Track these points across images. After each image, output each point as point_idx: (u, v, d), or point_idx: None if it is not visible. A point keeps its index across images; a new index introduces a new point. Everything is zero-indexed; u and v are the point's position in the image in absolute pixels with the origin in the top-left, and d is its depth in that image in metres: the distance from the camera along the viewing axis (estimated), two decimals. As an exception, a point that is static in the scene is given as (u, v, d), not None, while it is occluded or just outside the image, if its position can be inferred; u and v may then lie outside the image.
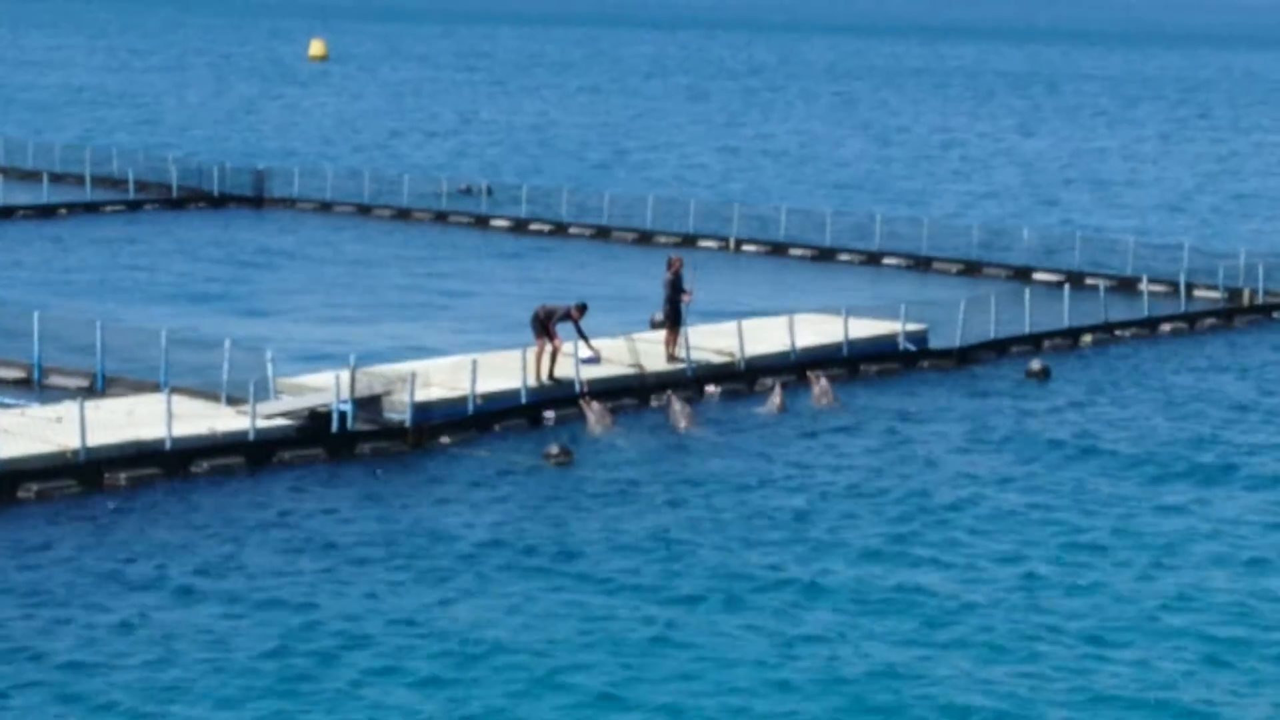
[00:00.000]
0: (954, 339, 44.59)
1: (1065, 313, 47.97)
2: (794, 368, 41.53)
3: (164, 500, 31.02)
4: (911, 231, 63.15)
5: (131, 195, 72.53)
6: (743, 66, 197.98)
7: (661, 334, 41.23)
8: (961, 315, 44.70)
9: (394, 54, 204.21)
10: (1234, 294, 54.06)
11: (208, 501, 31.04)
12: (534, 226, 67.46)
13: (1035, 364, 43.60)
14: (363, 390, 35.14)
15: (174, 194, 72.77)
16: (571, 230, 66.56)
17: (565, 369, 38.28)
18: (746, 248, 63.12)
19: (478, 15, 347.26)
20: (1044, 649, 25.14)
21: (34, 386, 38.55)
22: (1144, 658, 24.94)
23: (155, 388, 36.67)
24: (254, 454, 33.33)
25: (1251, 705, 23.52)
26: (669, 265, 41.21)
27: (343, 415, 34.83)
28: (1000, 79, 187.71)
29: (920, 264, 60.31)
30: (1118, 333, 48.66)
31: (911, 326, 44.35)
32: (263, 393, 34.94)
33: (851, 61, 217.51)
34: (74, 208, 69.41)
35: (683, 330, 40.66)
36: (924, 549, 29.52)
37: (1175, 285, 52.92)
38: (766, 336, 42.77)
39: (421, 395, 35.47)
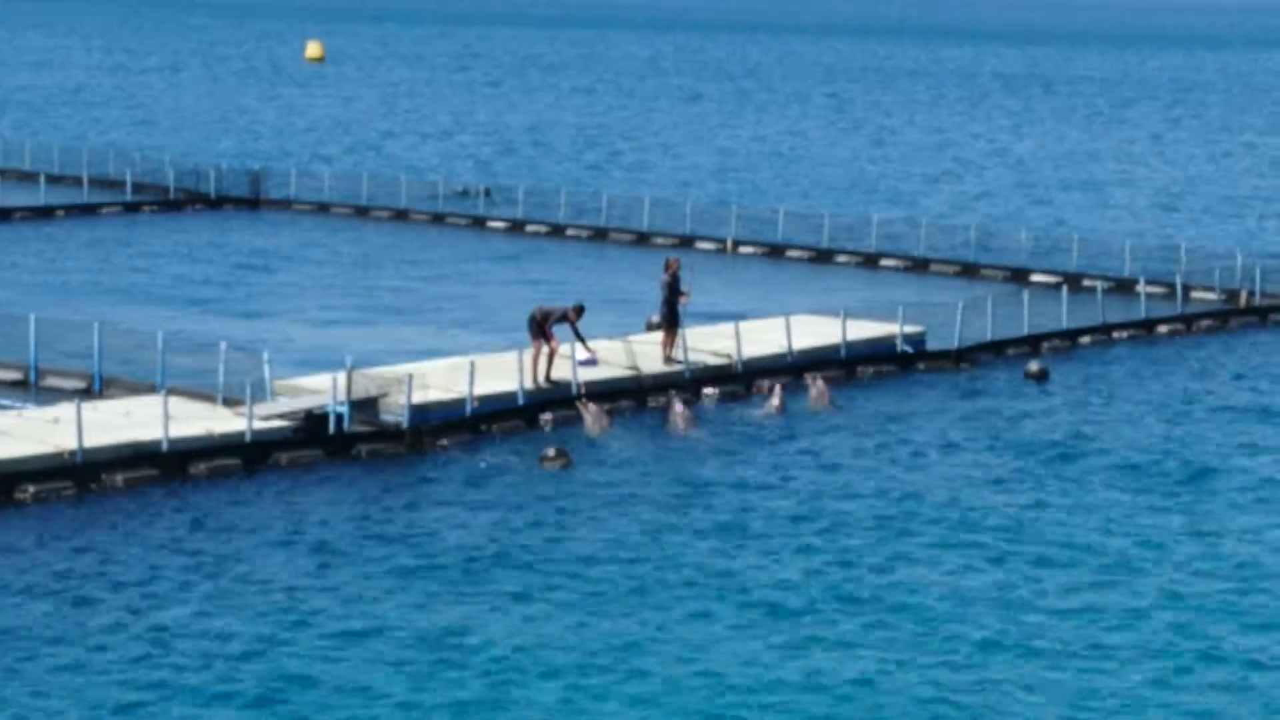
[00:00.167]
0: (951, 341, 44.58)
1: (1063, 314, 47.97)
2: (791, 369, 41.52)
3: (161, 501, 31.00)
4: (909, 233, 63.15)
5: (129, 197, 72.50)
6: (738, 68, 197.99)
7: (658, 336, 41.20)
8: (959, 317, 44.69)
9: (391, 55, 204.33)
10: (1231, 295, 54.07)
11: (204, 503, 31.03)
12: (531, 228, 67.45)
13: (1034, 365, 43.60)
14: (359, 392, 35.12)
15: (171, 195, 72.74)
16: (569, 232, 66.55)
17: (562, 371, 38.27)
18: (744, 249, 63.11)
19: (475, 16, 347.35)
20: (1039, 653, 25.12)
21: (31, 388, 38.52)
22: (1140, 660, 24.94)
23: (152, 389, 36.65)
24: (251, 455, 33.31)
25: (1247, 707, 23.53)
26: (666, 267, 41.20)
27: (339, 417, 34.81)
28: (996, 80, 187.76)
29: (917, 265, 60.31)
30: (1115, 334, 48.67)
31: (909, 328, 44.34)
32: (259, 394, 34.91)
33: (847, 63, 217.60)
34: (71, 209, 69.39)
35: (680, 332, 40.64)
36: (921, 551, 29.50)
37: (1172, 287, 52.91)
38: (764, 338, 42.76)
39: (418, 397, 35.45)
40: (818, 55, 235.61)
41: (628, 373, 39.78)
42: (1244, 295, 53.91)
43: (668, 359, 40.51)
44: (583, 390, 38.09)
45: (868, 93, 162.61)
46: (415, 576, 27.57)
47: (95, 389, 37.93)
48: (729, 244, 63.41)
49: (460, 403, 36.34)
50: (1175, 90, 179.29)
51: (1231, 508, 32.74)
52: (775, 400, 38.91)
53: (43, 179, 73.41)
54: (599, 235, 65.96)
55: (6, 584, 26.70)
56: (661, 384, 39.67)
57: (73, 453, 31.65)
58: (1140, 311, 50.35)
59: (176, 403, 34.02)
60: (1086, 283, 55.10)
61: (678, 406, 37.67)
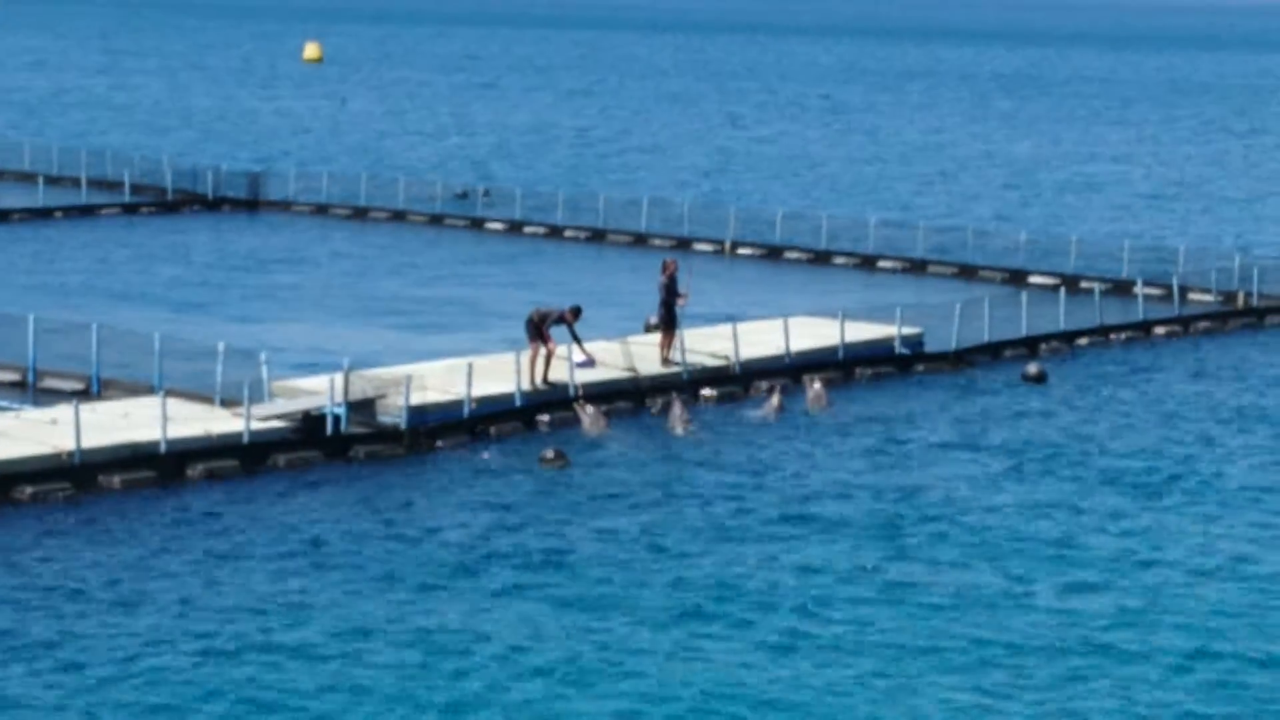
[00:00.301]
0: (949, 342, 44.60)
1: (1061, 316, 48.00)
2: (789, 371, 41.53)
3: (158, 503, 31.02)
4: (907, 235, 63.18)
5: (127, 198, 72.52)
6: (737, 69, 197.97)
7: (656, 337, 41.21)
8: (957, 318, 44.71)
9: (388, 56, 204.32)
10: (1228, 297, 54.09)
11: (202, 504, 31.04)
12: (529, 229, 67.47)
13: (1032, 368, 43.60)
14: (356, 393, 35.13)
15: (169, 197, 72.75)
16: (566, 233, 66.56)
17: (560, 372, 38.28)
18: (742, 250, 63.12)
19: (475, 17, 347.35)
20: (1038, 654, 25.14)
21: (29, 389, 38.54)
22: (1139, 661, 24.95)
23: (150, 391, 36.66)
24: (249, 457, 33.33)
25: (1243, 708, 23.56)
26: (664, 268, 41.21)
27: (337, 418, 34.82)
28: (995, 81, 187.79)
29: (915, 267, 60.33)
30: (1113, 336, 48.69)
31: (907, 330, 44.35)
32: (257, 396, 34.93)
33: (846, 64, 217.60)
34: (70, 210, 69.40)
35: (678, 333, 40.66)
36: (918, 553, 29.50)
37: (1170, 288, 52.94)
38: (761, 340, 42.78)
39: (416, 398, 35.47)
40: (817, 56, 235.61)
41: (625, 374, 39.80)
42: (1241, 297, 53.94)
43: (665, 360, 40.53)
44: (580, 391, 38.10)
45: (866, 94, 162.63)
46: (413, 577, 27.57)
47: (93, 390, 37.94)
48: (727, 245, 63.42)
49: (458, 404, 36.35)
50: (1174, 91, 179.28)
51: (1230, 508, 32.75)
52: (775, 401, 38.92)
53: (41, 180, 73.44)
54: (597, 236, 65.98)
55: (4, 584, 26.70)
56: (659, 385, 39.68)
57: (70, 454, 31.67)
58: (1138, 313, 50.37)
59: (174, 404, 34.03)
60: (1084, 284, 55.16)
61: (677, 408, 37.69)
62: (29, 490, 30.85)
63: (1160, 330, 49.85)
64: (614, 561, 28.57)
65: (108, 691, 22.94)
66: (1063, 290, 51.52)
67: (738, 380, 40.96)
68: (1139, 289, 51.91)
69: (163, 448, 32.50)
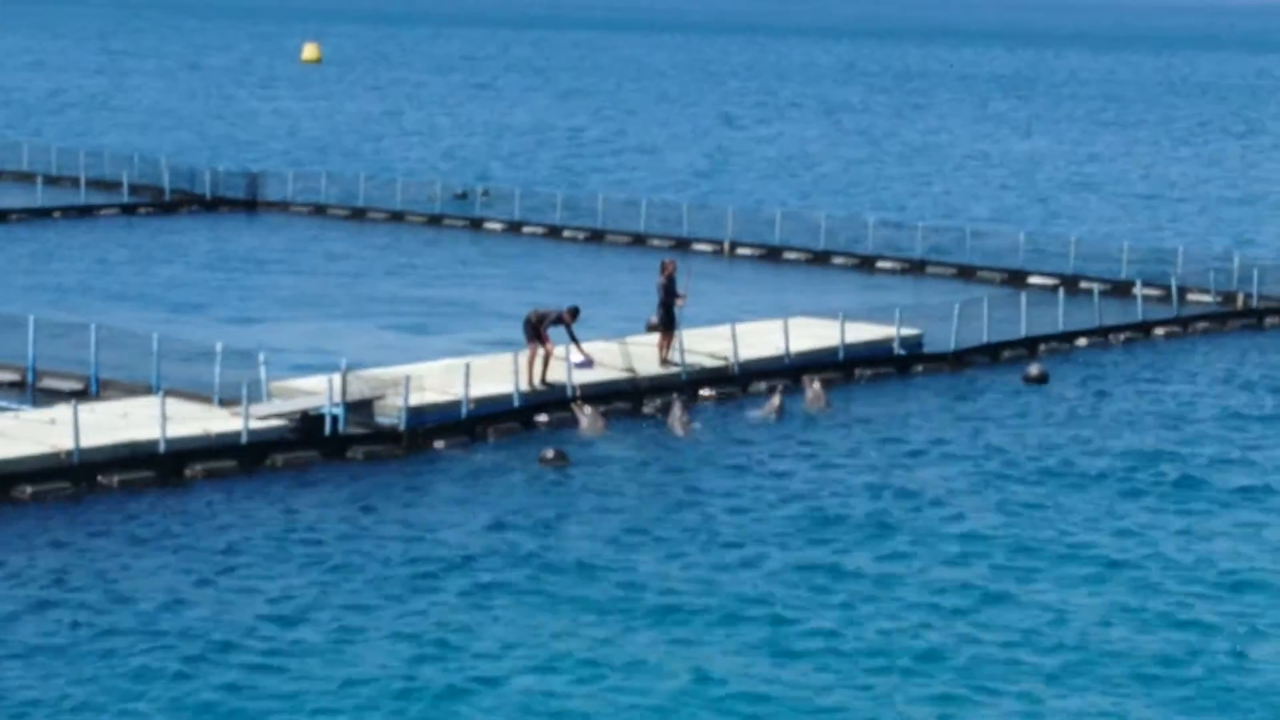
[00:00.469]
0: (948, 343, 44.59)
1: (1059, 317, 47.99)
2: (788, 372, 41.52)
3: (157, 502, 31.00)
4: (905, 235, 63.17)
5: (125, 198, 72.51)
6: (736, 70, 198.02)
7: (655, 338, 41.19)
8: (956, 319, 44.71)
9: (385, 57, 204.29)
10: (1227, 298, 54.08)
11: (201, 504, 31.03)
12: (527, 229, 67.47)
13: (1034, 368, 43.58)
14: (354, 394, 35.12)
15: (167, 197, 72.73)
16: (565, 234, 66.55)
17: (558, 373, 38.26)
18: (741, 251, 63.11)
19: (472, 18, 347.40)
20: (1037, 656, 25.15)
21: (28, 389, 38.54)
22: (1137, 663, 24.95)
23: (148, 391, 36.65)
24: (247, 457, 33.32)
25: (1239, 711, 23.56)
26: (662, 269, 41.20)
27: (335, 419, 34.81)
28: (994, 82, 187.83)
29: (914, 267, 60.33)
30: (1111, 337, 48.68)
31: (905, 331, 44.35)
32: (255, 396, 34.92)
33: (844, 64, 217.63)
34: (68, 211, 69.40)
35: (676, 334, 40.65)
36: (917, 554, 29.49)
37: (1168, 289, 52.94)
38: (760, 340, 42.77)
39: (415, 399, 35.46)
40: (815, 57, 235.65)
41: (624, 375, 39.78)
42: (1241, 298, 53.93)
43: (664, 361, 40.52)
44: (578, 392, 38.09)
45: (865, 94, 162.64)
46: (412, 578, 27.56)
47: (92, 390, 37.93)
48: (726, 246, 63.40)
49: (456, 404, 36.34)
50: (1172, 91, 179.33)
51: (1230, 510, 32.73)
52: (775, 401, 38.90)
53: (40, 180, 73.44)
54: (595, 237, 65.96)
55: (3, 584, 26.69)
56: (658, 386, 39.68)
57: (69, 453, 31.67)
58: (1137, 314, 50.36)
59: (173, 404, 34.03)
60: (1083, 285, 55.16)
61: (676, 409, 37.67)
62: (28, 490, 30.86)
63: (1159, 331, 49.84)
64: (613, 562, 28.56)
65: (106, 691, 22.92)
66: (1061, 291, 51.52)
67: (736, 381, 40.95)
68: (1138, 290, 51.90)
69: (161, 447, 32.50)
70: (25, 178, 76.79)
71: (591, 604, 26.60)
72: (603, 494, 32.44)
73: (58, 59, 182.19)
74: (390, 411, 35.36)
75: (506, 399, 37.24)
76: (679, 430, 37.12)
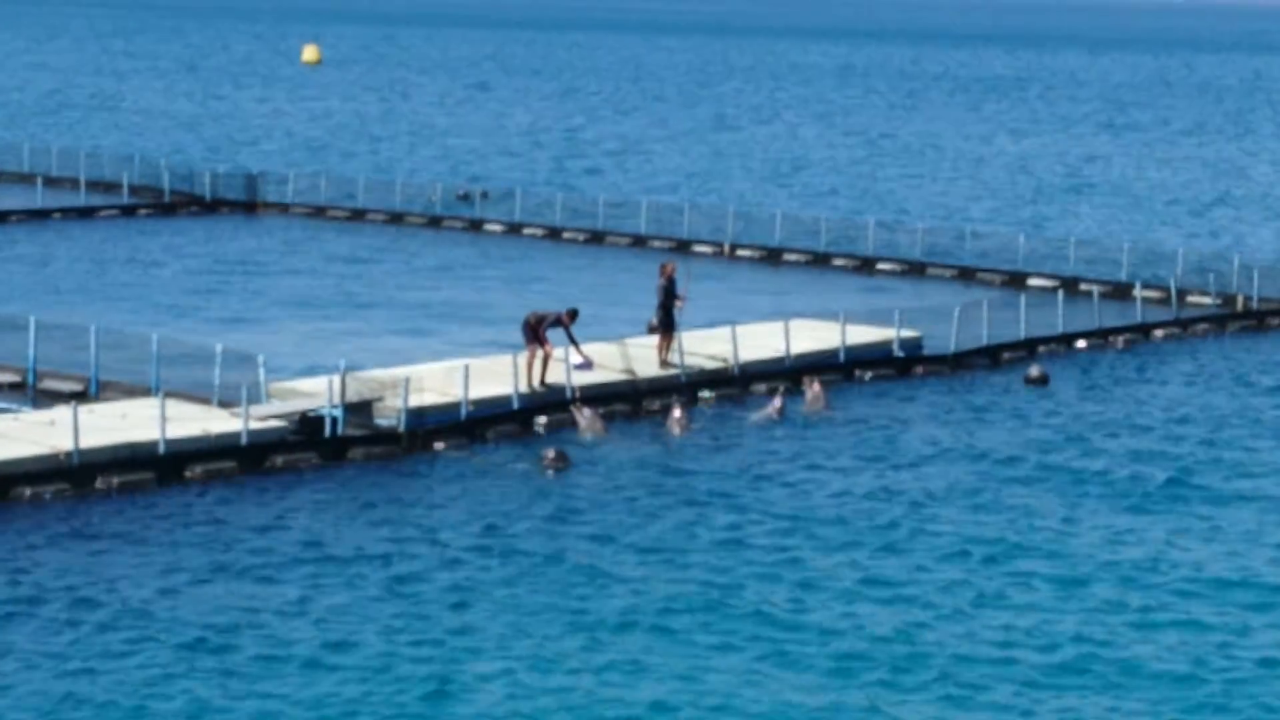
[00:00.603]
0: (948, 344, 44.58)
1: (1059, 318, 47.99)
2: (788, 374, 41.52)
3: (156, 503, 31.00)
4: (905, 237, 63.16)
5: (125, 199, 72.52)
6: (734, 71, 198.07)
7: (654, 339, 41.18)
8: (956, 321, 44.70)
9: (385, 58, 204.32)
10: (1227, 299, 54.07)
11: (200, 505, 31.03)
12: (528, 230, 67.46)
13: (1034, 370, 43.59)
14: (353, 395, 35.12)
15: (166, 198, 72.73)
16: (565, 235, 66.55)
17: (557, 374, 38.26)
18: (741, 253, 63.10)
19: (471, 19, 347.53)
20: (1036, 659, 25.15)
21: (28, 390, 38.54)
22: (1135, 666, 24.95)
23: (148, 392, 36.66)
24: (247, 458, 33.32)
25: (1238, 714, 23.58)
26: (661, 270, 41.19)
27: (335, 420, 34.81)
28: (992, 84, 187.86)
29: (914, 269, 60.33)
30: (1111, 338, 48.68)
31: (905, 332, 44.35)
32: (255, 398, 34.93)
33: (840, 66, 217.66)
34: (68, 212, 69.40)
35: (676, 335, 40.64)
36: (917, 556, 29.49)
37: (1168, 291, 52.94)
38: (760, 342, 42.78)
39: (414, 400, 35.46)
40: (814, 58, 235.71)
41: (623, 376, 39.78)
42: (1240, 299, 53.92)
43: (664, 363, 40.51)
44: (577, 394, 38.08)
45: (863, 96, 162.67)
46: (410, 579, 27.56)
47: (92, 391, 37.93)
48: (726, 247, 63.40)
49: (455, 406, 36.33)
50: (1171, 93, 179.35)
51: (1227, 513, 32.73)
52: (776, 403, 38.88)
53: (40, 181, 73.44)
54: (596, 238, 65.95)
55: (2, 585, 26.70)
56: (657, 388, 39.68)
57: (69, 454, 31.68)
58: (1136, 316, 50.35)
59: (173, 405, 34.03)
60: (1083, 287, 55.15)
61: (676, 412, 37.66)
62: (28, 491, 30.88)
63: (1159, 333, 49.83)
64: (612, 564, 28.57)
65: (104, 692, 22.93)
66: (1061, 293, 51.52)
67: (736, 383, 40.94)
68: (1138, 291, 51.89)
69: (161, 449, 32.51)
70: (25, 179, 76.79)
71: (590, 606, 26.60)
72: (602, 495, 32.44)
73: (57, 60, 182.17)
74: (390, 413, 35.35)
75: (506, 400, 37.25)
76: (677, 432, 37.12)
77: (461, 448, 35.42)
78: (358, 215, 70.90)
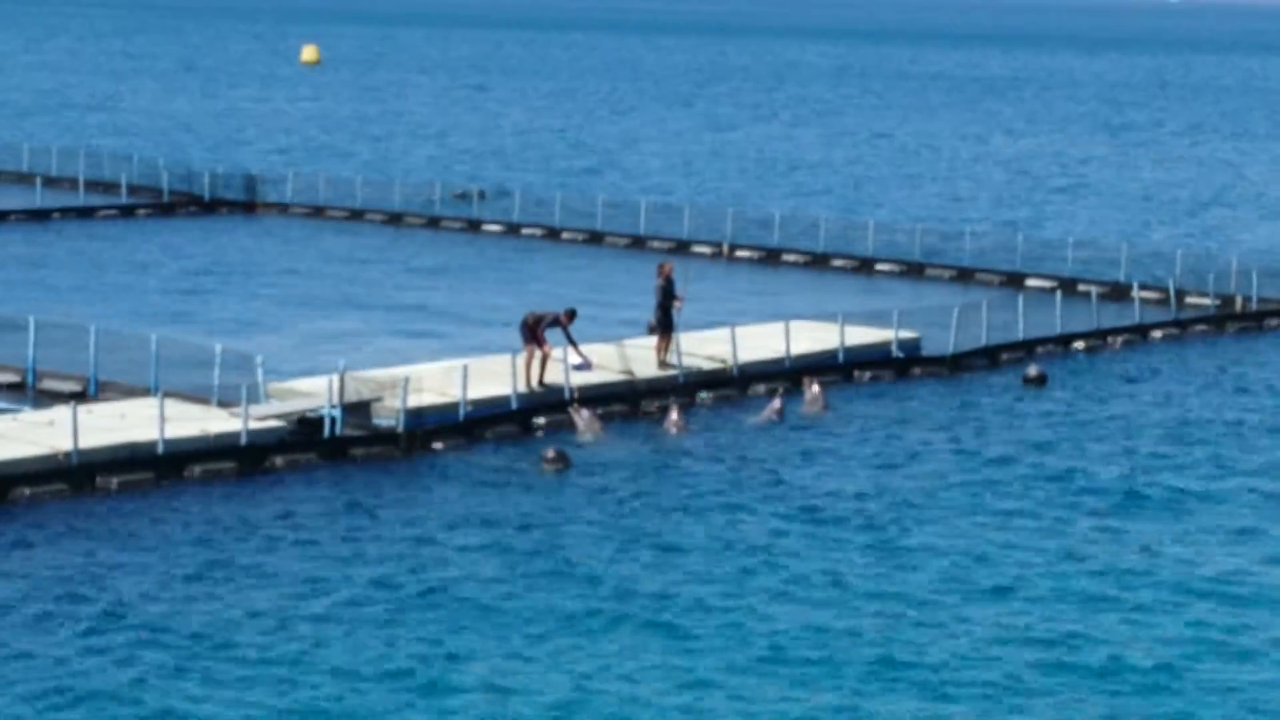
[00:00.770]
0: (947, 345, 44.60)
1: (1058, 319, 48.01)
2: (788, 374, 41.54)
3: (156, 503, 31.02)
4: (904, 238, 63.18)
5: (124, 199, 72.54)
6: (732, 71, 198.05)
7: (653, 340, 41.18)
8: (955, 322, 44.73)
9: (384, 59, 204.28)
10: (1226, 300, 54.08)
11: (199, 505, 31.06)
12: (526, 231, 67.48)
13: (1032, 370, 43.61)
14: (352, 395, 35.13)
15: (165, 198, 72.74)
16: (564, 235, 66.56)
17: (556, 375, 38.27)
18: (740, 253, 63.13)
19: (469, 19, 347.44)
20: (1034, 661, 25.17)
21: (27, 390, 38.57)
22: (1132, 670, 24.99)
23: (147, 392, 36.68)
24: (246, 458, 33.35)
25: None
26: (659, 270, 41.21)
27: (334, 420, 34.83)
28: (990, 84, 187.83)
29: (913, 270, 60.35)
30: (1110, 339, 48.70)
31: (904, 333, 44.38)
32: (254, 398, 34.96)
33: (839, 67, 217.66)
34: (67, 212, 69.41)
35: (675, 336, 40.65)
36: (916, 558, 29.51)
37: (1167, 292, 52.96)
38: (759, 343, 42.80)
39: (413, 400, 35.48)
40: (811, 58, 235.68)
41: (622, 377, 39.79)
42: (1239, 300, 53.94)
43: (662, 363, 40.53)
44: (575, 395, 38.09)
45: (860, 96, 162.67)
46: (409, 580, 27.57)
47: (91, 391, 37.95)
48: (725, 248, 63.42)
49: (454, 406, 36.35)
50: (1169, 94, 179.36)
51: (1225, 515, 32.75)
52: (776, 404, 38.88)
53: (39, 181, 73.44)
54: (594, 238, 65.97)
55: (1, 585, 26.72)
56: (656, 388, 39.70)
57: (68, 454, 31.70)
58: (1134, 317, 50.38)
59: (172, 405, 34.06)
60: (1081, 288, 55.17)
61: (673, 414, 37.68)
62: (27, 491, 30.90)
63: (1157, 334, 49.85)
64: (611, 565, 28.58)
65: (103, 692, 22.94)
66: (1059, 293, 51.54)
67: (735, 384, 40.96)
68: (1136, 292, 51.91)
69: (160, 449, 32.53)
70: (24, 179, 76.80)
71: (589, 606, 26.61)
72: (600, 496, 32.46)
73: (56, 59, 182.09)
74: (388, 413, 35.37)
75: (505, 401, 37.27)
76: (674, 433, 37.14)
77: (460, 448, 35.45)
78: (356, 215, 70.91)
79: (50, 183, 74.77)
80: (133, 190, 73.79)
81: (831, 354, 42.91)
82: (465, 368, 36.70)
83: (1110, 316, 49.99)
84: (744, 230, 64.91)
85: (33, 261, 58.09)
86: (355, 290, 54.34)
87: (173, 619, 25.55)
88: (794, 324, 43.97)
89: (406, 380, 35.53)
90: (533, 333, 37.97)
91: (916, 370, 43.89)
